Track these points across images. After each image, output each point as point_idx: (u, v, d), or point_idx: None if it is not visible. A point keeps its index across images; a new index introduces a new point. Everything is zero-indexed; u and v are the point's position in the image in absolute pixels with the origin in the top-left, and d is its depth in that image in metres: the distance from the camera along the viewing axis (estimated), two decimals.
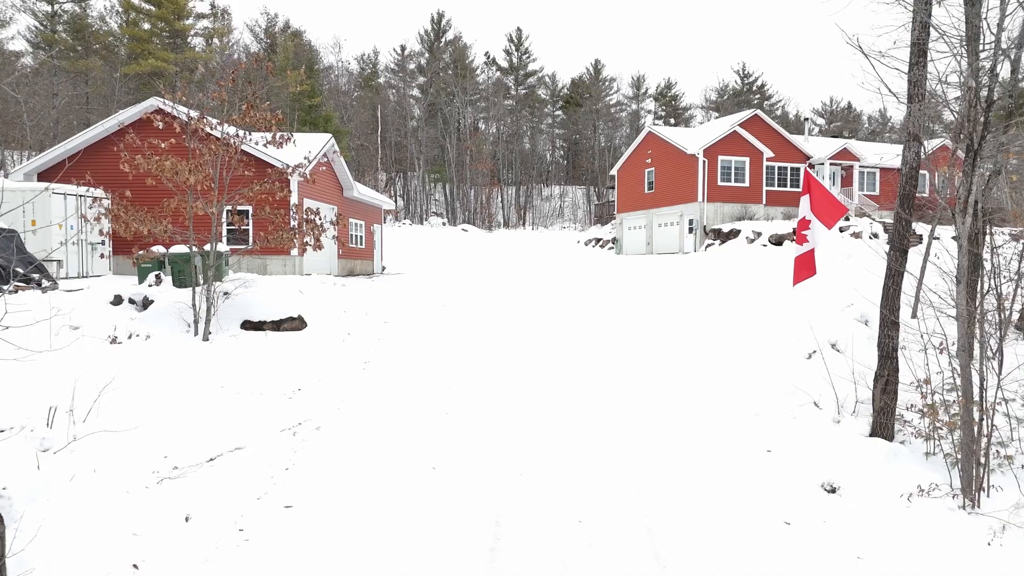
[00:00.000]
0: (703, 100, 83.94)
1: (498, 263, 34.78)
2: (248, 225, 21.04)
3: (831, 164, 38.02)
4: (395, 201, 68.39)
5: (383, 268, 30.09)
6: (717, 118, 47.28)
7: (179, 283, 13.31)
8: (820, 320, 10.96)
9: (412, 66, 75.02)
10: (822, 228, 8.59)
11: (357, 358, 10.61)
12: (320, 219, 14.69)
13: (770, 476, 5.86)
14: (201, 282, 12.12)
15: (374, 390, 8.79)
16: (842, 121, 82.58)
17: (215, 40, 52.89)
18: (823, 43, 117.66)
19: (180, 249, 13.36)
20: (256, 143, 14.00)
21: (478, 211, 67.49)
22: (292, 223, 14.23)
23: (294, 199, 21.06)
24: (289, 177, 20.92)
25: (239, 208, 20.13)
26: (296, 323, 12.85)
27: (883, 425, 6.62)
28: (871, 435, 6.67)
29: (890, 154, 42.10)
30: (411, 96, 73.92)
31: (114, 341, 10.12)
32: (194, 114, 12.25)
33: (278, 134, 13.64)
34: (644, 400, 8.39)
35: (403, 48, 74.68)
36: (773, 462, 6.21)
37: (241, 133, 12.41)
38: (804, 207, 9.01)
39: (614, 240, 44.21)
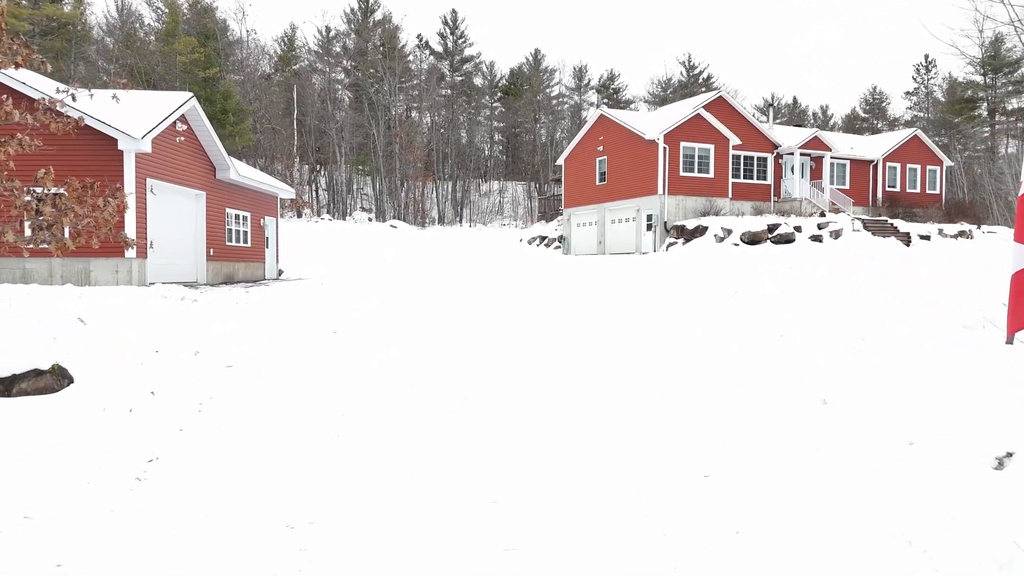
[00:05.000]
0: (646, 93, 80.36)
1: (428, 265, 29.17)
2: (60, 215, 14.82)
3: (800, 154, 34.08)
4: (316, 194, 61.59)
5: (279, 272, 24.08)
6: (676, 102, 42.99)
7: None
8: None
9: (338, 48, 68.32)
10: None
11: (132, 462, 4.96)
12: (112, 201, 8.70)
13: None
14: None
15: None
16: (787, 117, 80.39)
17: None
18: (768, 36, 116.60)
19: None
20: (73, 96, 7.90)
21: (410, 206, 61.47)
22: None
23: (130, 179, 15.00)
24: (123, 149, 14.88)
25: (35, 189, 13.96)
26: (47, 381, 7.02)
27: None
28: None
29: (860, 145, 38.63)
30: (336, 80, 67.17)
31: None
32: None
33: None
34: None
35: (328, 29, 67.88)
36: None
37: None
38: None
39: (561, 238, 39.25)
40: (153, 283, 15.60)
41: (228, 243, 20.00)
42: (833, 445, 5.23)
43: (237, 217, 20.67)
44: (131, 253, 15.19)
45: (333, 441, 5.54)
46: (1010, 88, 56.07)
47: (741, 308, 10.66)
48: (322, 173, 64.55)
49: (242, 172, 20.12)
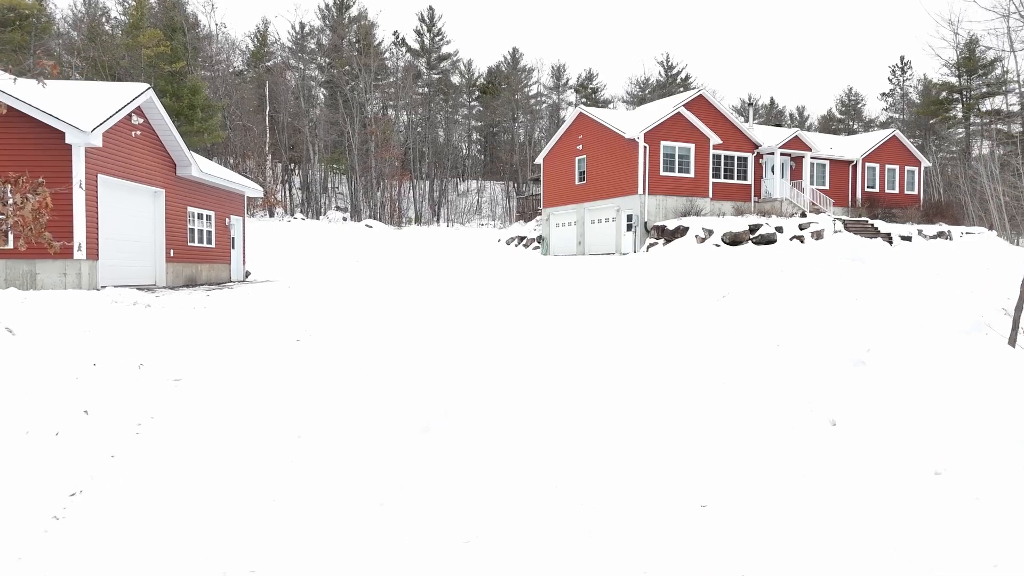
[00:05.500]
0: (625, 93, 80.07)
1: (402, 267, 28.34)
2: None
3: (781, 154, 33.79)
4: (290, 193, 60.22)
5: (247, 274, 23.07)
6: (655, 101, 42.54)
7: None
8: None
9: (312, 44, 66.95)
10: None
11: (51, 496, 4.13)
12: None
13: None
14: None
15: None
16: (764, 117, 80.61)
17: None
18: (746, 37, 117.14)
19: None
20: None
21: (386, 205, 60.38)
22: None
23: (79, 175, 14.02)
24: (71, 143, 13.87)
25: None
26: None
27: None
28: None
29: (840, 145, 38.50)
30: (310, 77, 65.81)
31: None
32: None
33: None
34: None
35: (302, 25, 66.49)
36: None
37: None
38: None
39: (540, 239, 38.59)
40: (105, 286, 14.60)
41: (190, 243, 18.99)
42: (847, 474, 4.58)
43: (200, 216, 19.65)
44: (80, 254, 14.18)
45: (286, 469, 4.78)
46: (984, 90, 56.57)
47: (731, 314, 10.03)
48: (296, 172, 63.17)
49: (205, 169, 19.12)
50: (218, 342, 9.39)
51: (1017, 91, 51.07)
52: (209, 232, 20.23)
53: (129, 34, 34.45)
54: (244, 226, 22.96)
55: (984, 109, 56.94)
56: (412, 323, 11.01)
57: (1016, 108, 51.34)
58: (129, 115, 15.89)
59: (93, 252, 14.63)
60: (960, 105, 58.98)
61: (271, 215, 49.23)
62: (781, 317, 9.00)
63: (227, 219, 21.42)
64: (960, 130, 60.72)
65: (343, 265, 30.35)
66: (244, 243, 22.86)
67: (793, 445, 5.23)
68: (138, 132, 16.27)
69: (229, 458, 4.96)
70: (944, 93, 60.39)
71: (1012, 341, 6.91)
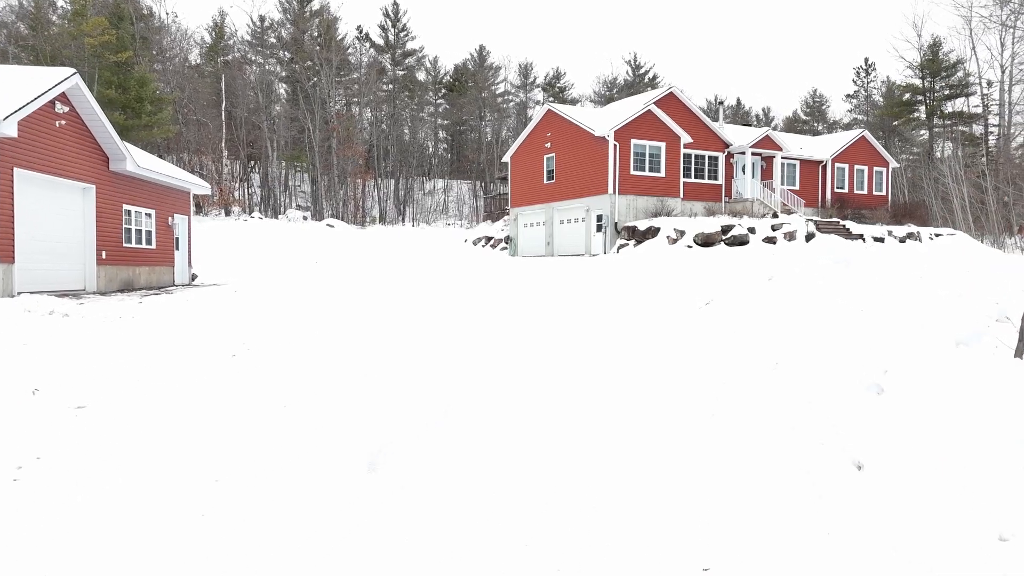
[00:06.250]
0: (592, 93, 79.52)
1: (363, 269, 27.00)
2: None
3: (752, 154, 33.26)
4: (249, 191, 58.07)
5: (193, 277, 21.50)
6: (625, 98, 41.77)
7: None
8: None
9: (272, 39, 64.77)
10: None
11: None
12: None
13: None
14: None
15: None
16: (731, 118, 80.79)
17: None
18: (713, 36, 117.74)
19: None
20: None
21: (349, 204, 58.64)
22: None
23: None
24: None
25: None
26: None
27: None
28: None
29: (810, 146, 38.22)
30: (270, 72, 63.65)
31: None
32: None
33: None
34: None
35: (262, 19, 64.28)
36: None
37: None
38: None
39: (507, 239, 37.51)
40: (21, 292, 13.07)
41: (126, 244, 17.43)
42: (886, 535, 3.58)
43: (138, 215, 18.08)
44: None
45: (195, 526, 3.62)
46: (947, 92, 57.21)
47: (717, 325, 9.06)
48: (256, 169, 61.00)
49: (143, 163, 17.57)
50: (139, 358, 8.10)
51: (979, 93, 51.73)
52: (149, 232, 18.67)
53: (73, 22, 32.35)
54: (190, 225, 21.39)
55: (947, 111, 57.61)
56: (363, 334, 9.81)
57: (979, 110, 52.00)
58: (52, 102, 14.34)
59: (7, 254, 13.08)
60: (923, 107, 59.61)
61: (227, 214, 47.21)
62: (776, 329, 8.04)
63: (170, 218, 19.86)
64: (923, 132, 61.41)
65: (301, 267, 28.86)
66: (190, 244, 21.29)
67: (810, 494, 4.23)
68: (63, 122, 14.72)
69: (123, 514, 3.76)
70: (908, 95, 61.01)
71: (1020, 353, 6.13)
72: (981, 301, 10.29)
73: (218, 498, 4.03)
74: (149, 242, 18.65)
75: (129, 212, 17.60)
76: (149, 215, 18.67)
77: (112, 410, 5.92)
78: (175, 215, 20.23)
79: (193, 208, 45.50)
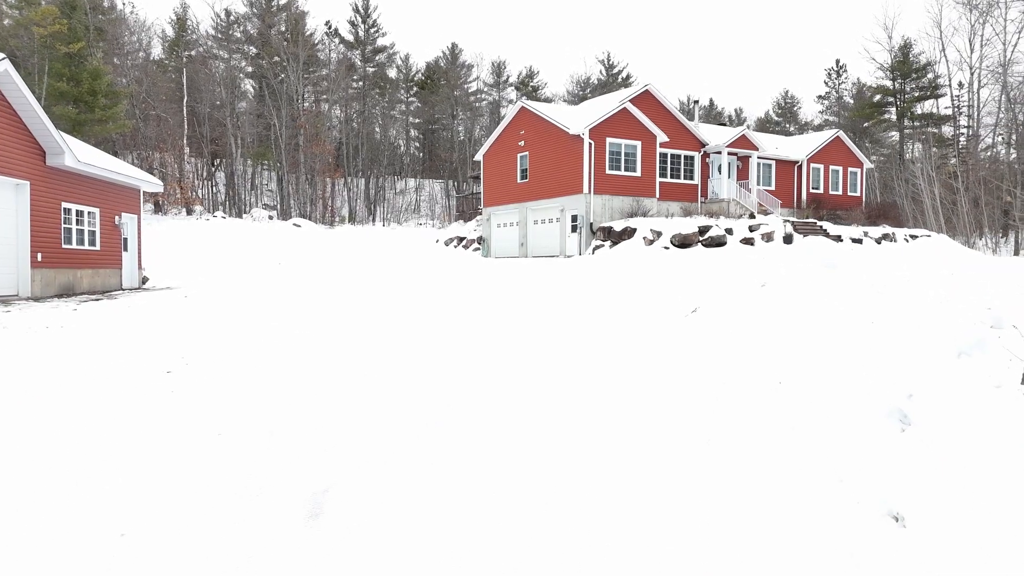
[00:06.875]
0: (565, 92, 78.87)
1: (328, 271, 25.85)
2: None
3: (728, 153, 32.77)
4: (213, 190, 56.21)
5: (143, 280, 20.17)
6: (600, 96, 41.10)
7: None
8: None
9: (238, 33, 62.93)
10: None
11: None
12: None
13: None
14: None
15: None
16: (704, 118, 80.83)
17: None
18: (686, 37, 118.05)
19: None
20: None
21: (318, 203, 57.11)
22: None
23: None
24: None
25: None
26: None
27: None
28: None
29: (786, 146, 37.93)
30: (235, 67, 61.78)
31: None
32: None
33: None
34: None
35: (227, 13, 62.40)
36: None
37: None
38: None
39: (480, 239, 36.56)
40: None
41: (66, 245, 16.12)
42: None
43: (80, 214, 16.76)
44: None
45: None
46: (917, 93, 57.63)
47: (707, 335, 8.24)
48: (220, 167, 59.13)
49: (84, 158, 16.27)
50: (58, 375, 7.02)
51: (949, 95, 52.13)
52: (92, 232, 17.34)
53: (21, 10, 30.57)
54: (140, 225, 20.05)
55: (917, 112, 58.05)
56: (317, 346, 8.80)
57: (948, 111, 52.40)
58: None
59: None
60: (894, 108, 60.02)
61: (189, 213, 45.47)
62: (773, 341, 7.24)
63: (117, 217, 18.53)
64: (894, 133, 61.85)
65: (263, 269, 27.58)
66: (140, 245, 19.96)
67: (840, 554, 3.41)
68: None
69: None
70: (879, 96, 61.40)
71: None
72: (972, 305, 9.61)
73: (125, 553, 3.03)
74: (93, 243, 17.33)
75: (69, 211, 16.28)
76: (92, 214, 17.35)
77: (9, 438, 4.86)
78: (123, 214, 18.90)
79: (151, 207, 43.82)
